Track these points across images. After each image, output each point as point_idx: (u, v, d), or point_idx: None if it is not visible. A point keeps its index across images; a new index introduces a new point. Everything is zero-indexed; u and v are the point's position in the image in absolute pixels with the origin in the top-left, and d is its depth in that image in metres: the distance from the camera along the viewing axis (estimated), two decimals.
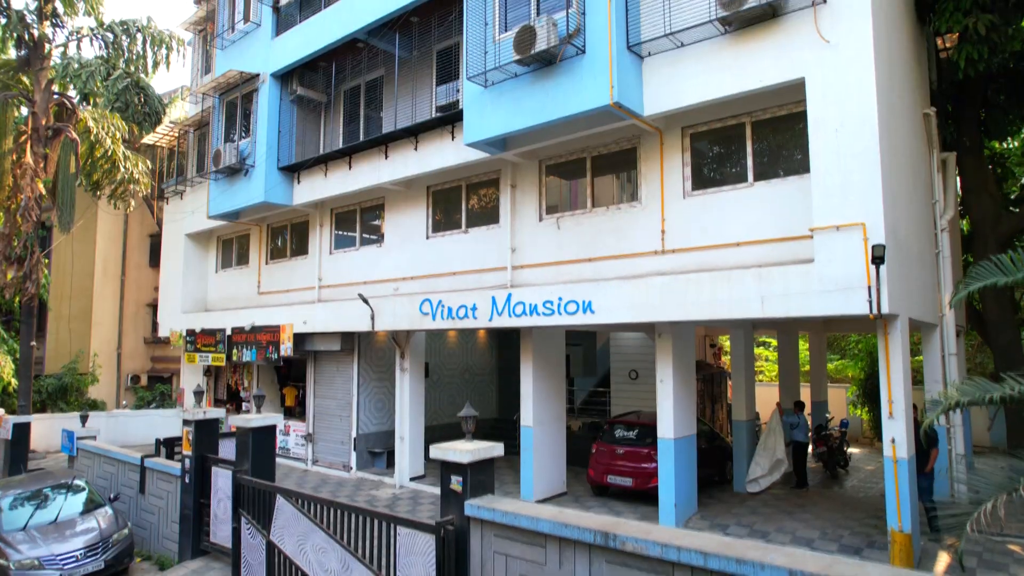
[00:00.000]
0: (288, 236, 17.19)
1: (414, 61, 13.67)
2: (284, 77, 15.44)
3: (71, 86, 17.33)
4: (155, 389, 25.20)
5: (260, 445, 9.22)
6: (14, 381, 18.74)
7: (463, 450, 6.31)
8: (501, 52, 10.48)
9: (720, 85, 9.02)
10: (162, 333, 20.07)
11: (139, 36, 19.78)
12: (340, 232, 15.78)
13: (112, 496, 10.88)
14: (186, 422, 10.22)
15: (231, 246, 19.14)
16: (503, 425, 17.71)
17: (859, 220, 7.81)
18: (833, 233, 7.97)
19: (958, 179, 13.72)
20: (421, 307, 12.41)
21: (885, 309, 7.59)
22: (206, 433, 10.17)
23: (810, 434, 14.44)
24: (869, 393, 18.90)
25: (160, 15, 67.00)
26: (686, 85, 9.33)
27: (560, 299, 10.42)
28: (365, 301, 13.21)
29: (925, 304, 10.36)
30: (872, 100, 7.87)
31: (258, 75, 15.61)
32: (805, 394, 17.46)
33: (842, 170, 8.03)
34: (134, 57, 19.61)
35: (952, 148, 13.26)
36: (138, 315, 27.47)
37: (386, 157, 13.38)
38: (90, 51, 17.89)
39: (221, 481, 9.76)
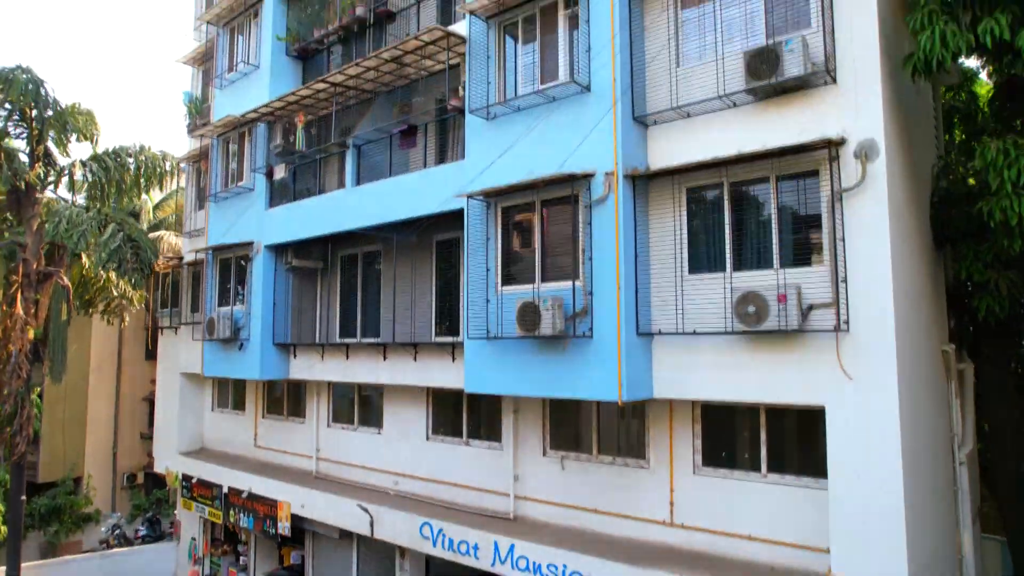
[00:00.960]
0: (285, 395, 16.77)
1: (413, 245, 13.22)
2: (279, 248, 15.00)
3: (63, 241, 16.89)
4: (152, 495, 24.90)
5: None
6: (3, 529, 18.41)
7: None
8: (504, 304, 10.10)
9: (737, 388, 8.58)
10: (158, 469, 19.70)
11: (131, 163, 19.31)
12: (338, 406, 15.37)
13: None
14: None
15: (227, 387, 18.73)
16: None
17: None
18: None
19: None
20: (421, 530, 12.02)
21: None
22: None
23: None
24: None
25: (156, 141, 66.07)
26: (700, 376, 8.91)
27: (565, 567, 10.02)
28: (365, 510, 12.85)
29: (945, 564, 9.99)
30: (897, 458, 7.43)
31: (252, 243, 15.16)
32: None
33: (863, 523, 7.60)
34: (126, 187, 19.15)
35: (971, 353, 12.81)
36: (135, 411, 27.13)
37: (384, 359, 12.97)
38: (80, 174, 17.26)
39: None
